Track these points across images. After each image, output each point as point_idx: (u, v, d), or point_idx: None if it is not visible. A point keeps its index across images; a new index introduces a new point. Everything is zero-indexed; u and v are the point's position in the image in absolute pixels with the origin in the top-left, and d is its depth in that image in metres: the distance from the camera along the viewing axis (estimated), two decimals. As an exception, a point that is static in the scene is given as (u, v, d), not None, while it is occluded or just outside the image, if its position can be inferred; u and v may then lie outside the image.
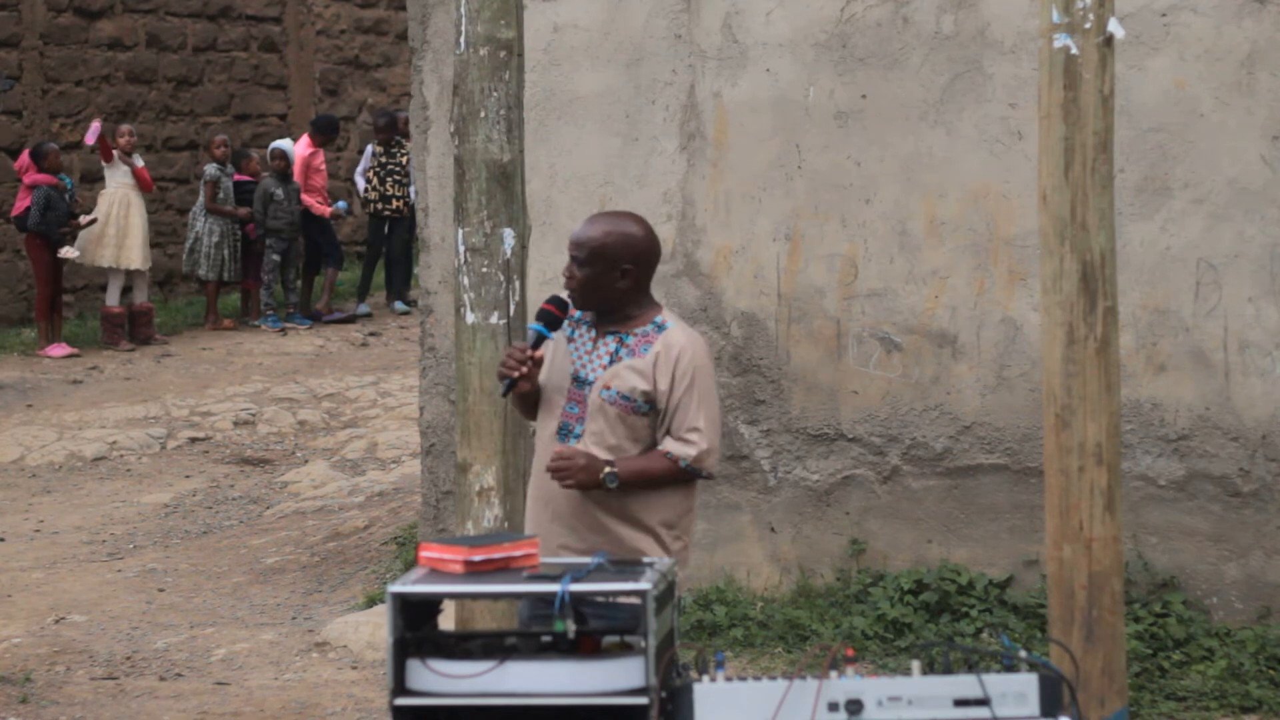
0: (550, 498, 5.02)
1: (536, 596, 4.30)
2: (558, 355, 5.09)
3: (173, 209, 17.99)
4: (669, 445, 4.95)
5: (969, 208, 7.52)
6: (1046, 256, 4.83)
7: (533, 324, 5.09)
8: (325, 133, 17.43)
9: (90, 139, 15.72)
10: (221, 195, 16.58)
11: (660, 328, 5.02)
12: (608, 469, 4.88)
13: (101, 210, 15.75)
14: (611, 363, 4.99)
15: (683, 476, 4.99)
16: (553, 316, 5.08)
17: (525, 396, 5.11)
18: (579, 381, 5.02)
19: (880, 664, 7.13)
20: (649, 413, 4.96)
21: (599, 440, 4.96)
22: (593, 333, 5.07)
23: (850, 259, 7.72)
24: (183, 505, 10.91)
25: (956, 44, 7.53)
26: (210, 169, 16.68)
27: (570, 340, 5.09)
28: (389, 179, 17.32)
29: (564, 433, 5.01)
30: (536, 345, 5.04)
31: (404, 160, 17.17)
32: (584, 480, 4.87)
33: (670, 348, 4.97)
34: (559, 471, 4.89)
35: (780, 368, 7.83)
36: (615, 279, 4.99)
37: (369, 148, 17.62)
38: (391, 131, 17.33)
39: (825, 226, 7.75)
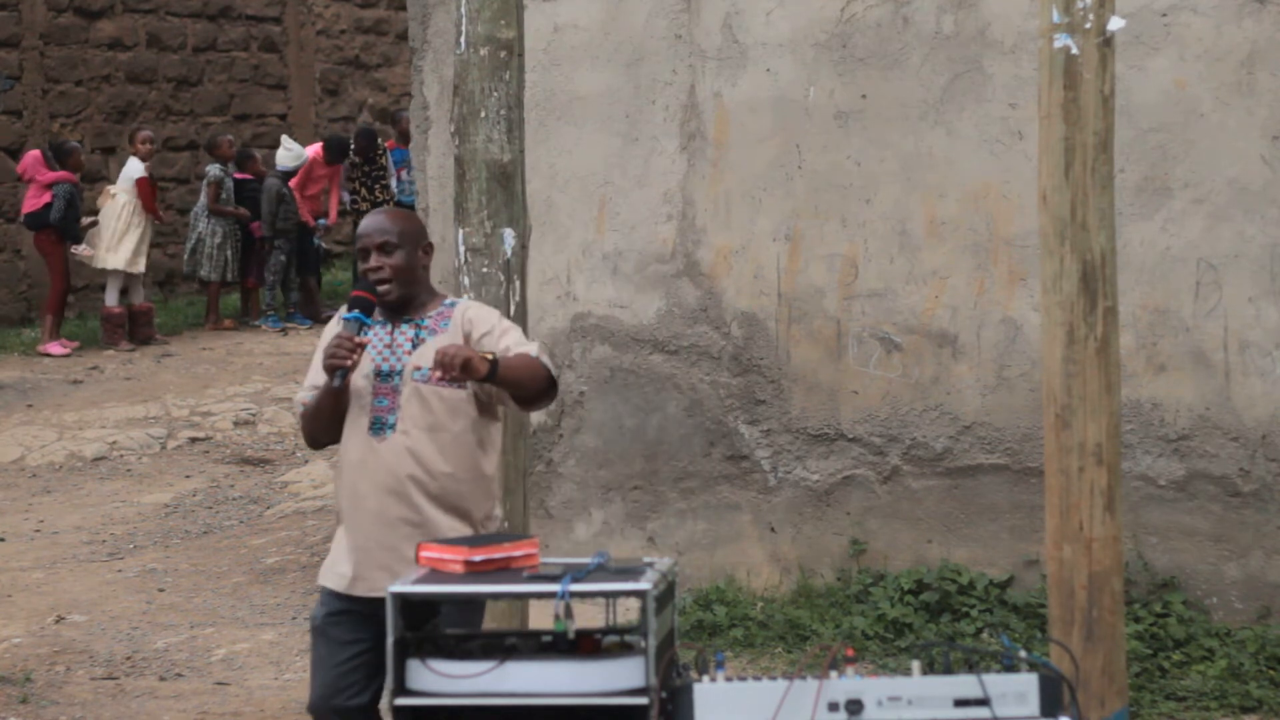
0: (364, 496, 4.97)
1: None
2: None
3: (173, 209, 17.99)
4: (525, 350, 4.94)
5: (969, 208, 7.51)
6: (1046, 256, 4.83)
7: (348, 314, 5.02)
8: (335, 152, 17.32)
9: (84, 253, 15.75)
10: (224, 196, 16.57)
11: (451, 305, 5.12)
12: (489, 355, 4.82)
13: (103, 211, 15.75)
14: (415, 347, 5.02)
15: (546, 382, 4.93)
16: (367, 302, 5.04)
17: (339, 401, 5.03)
18: (383, 376, 5.01)
19: (880, 664, 7.13)
20: (463, 385, 4.96)
21: (415, 422, 4.95)
22: (388, 326, 5.09)
23: (850, 259, 7.71)
24: (183, 505, 10.90)
25: (956, 44, 7.52)
26: (213, 170, 16.65)
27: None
28: (376, 185, 17.37)
29: (378, 426, 4.97)
30: (359, 333, 5.00)
31: (384, 162, 17.32)
32: (471, 360, 4.72)
33: (465, 310, 5.07)
34: (448, 361, 4.74)
35: (780, 368, 7.83)
36: (419, 259, 5.09)
37: (345, 162, 17.53)
38: (372, 147, 17.35)
39: (825, 226, 7.75)
